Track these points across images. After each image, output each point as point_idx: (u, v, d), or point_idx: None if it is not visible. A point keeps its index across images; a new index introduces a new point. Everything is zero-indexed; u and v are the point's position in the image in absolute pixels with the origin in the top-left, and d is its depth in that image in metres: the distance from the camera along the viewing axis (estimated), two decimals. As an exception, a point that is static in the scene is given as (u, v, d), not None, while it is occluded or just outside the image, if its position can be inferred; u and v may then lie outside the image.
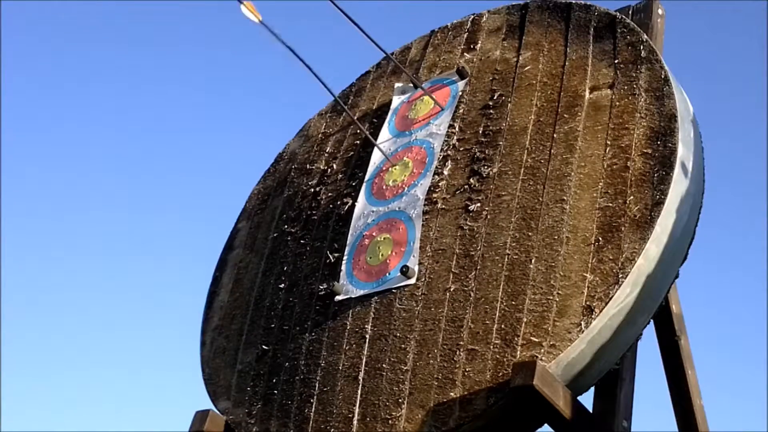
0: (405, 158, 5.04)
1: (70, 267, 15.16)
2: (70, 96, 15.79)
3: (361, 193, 5.07)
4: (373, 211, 4.94)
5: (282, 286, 5.04)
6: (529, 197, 4.41)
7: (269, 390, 4.67)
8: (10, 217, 14.17)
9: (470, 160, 4.75)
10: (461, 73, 5.23)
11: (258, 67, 15.60)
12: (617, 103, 4.55)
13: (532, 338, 3.97)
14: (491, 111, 4.92)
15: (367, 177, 5.13)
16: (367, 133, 5.31)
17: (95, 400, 14.22)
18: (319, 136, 5.77)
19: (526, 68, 5.01)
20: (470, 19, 5.63)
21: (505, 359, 3.97)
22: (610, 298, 3.96)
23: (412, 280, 4.47)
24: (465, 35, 5.55)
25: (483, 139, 4.80)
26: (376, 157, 5.19)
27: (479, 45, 5.40)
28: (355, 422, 4.23)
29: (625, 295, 4.01)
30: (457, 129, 4.96)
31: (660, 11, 5.10)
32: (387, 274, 4.59)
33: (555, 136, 4.58)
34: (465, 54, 5.41)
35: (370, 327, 4.47)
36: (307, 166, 5.61)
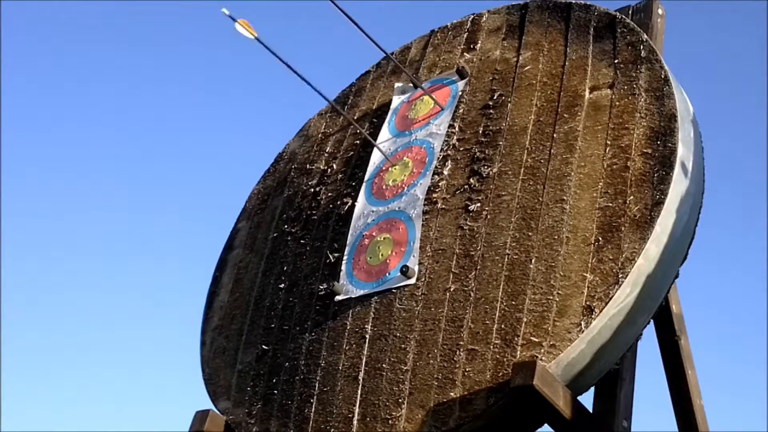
0: (405, 158, 5.04)
1: (70, 267, 15.17)
2: (70, 96, 15.80)
3: (361, 193, 5.07)
4: (372, 211, 4.94)
5: (282, 286, 5.04)
6: (529, 197, 4.41)
7: (269, 390, 4.67)
8: (10, 217, 14.18)
9: (470, 160, 4.75)
10: (461, 73, 5.23)
11: (258, 67, 15.61)
12: (617, 103, 4.55)
13: (532, 338, 3.97)
14: (491, 111, 4.92)
15: (366, 177, 5.13)
16: (366, 134, 5.31)
17: (95, 400, 14.22)
18: (319, 136, 5.77)
19: (526, 68, 5.01)
20: (470, 19, 5.63)
21: (505, 359, 3.97)
22: (610, 298, 3.96)
23: (412, 280, 4.47)
24: (465, 35, 5.55)
25: (483, 139, 4.80)
26: (375, 157, 5.19)
27: (479, 45, 5.40)
28: (355, 422, 4.23)
29: (625, 295, 4.01)
30: (457, 129, 4.96)
31: (660, 11, 5.10)
32: (387, 274, 4.59)
33: (555, 136, 4.58)
34: (465, 54, 5.41)
35: (370, 327, 4.47)
36: (307, 166, 5.61)
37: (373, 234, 4.82)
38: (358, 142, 5.45)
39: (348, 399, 4.31)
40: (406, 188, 4.88)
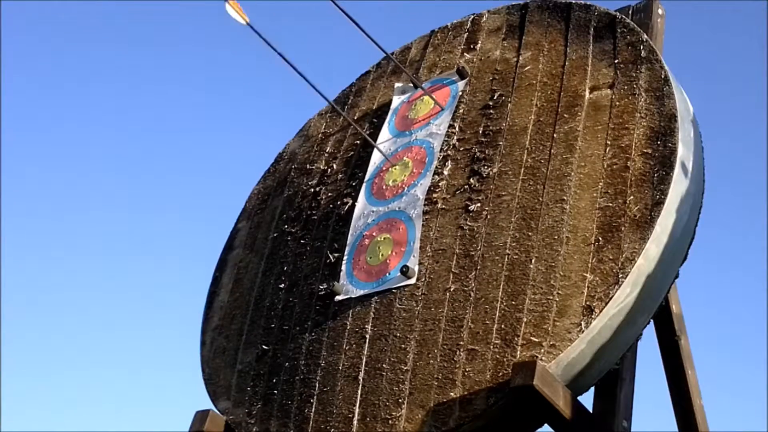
0: (405, 158, 5.04)
1: (70, 267, 15.17)
2: (70, 96, 15.80)
3: (361, 193, 5.07)
4: (373, 211, 4.94)
5: (282, 286, 5.04)
6: (529, 197, 4.41)
7: (269, 390, 4.67)
8: (10, 217, 14.18)
9: (470, 160, 4.75)
10: (461, 73, 5.23)
11: (258, 67, 15.59)
12: (617, 103, 4.55)
13: (532, 338, 3.97)
14: (491, 111, 4.92)
15: (367, 177, 5.13)
16: (366, 134, 5.31)
17: (95, 400, 14.23)
18: (319, 136, 5.77)
19: (526, 68, 5.01)
20: (470, 19, 5.63)
21: (505, 359, 3.97)
22: (610, 298, 3.96)
23: (412, 280, 4.47)
24: (465, 35, 5.55)
25: (483, 139, 4.80)
26: (376, 157, 5.19)
27: (479, 45, 5.40)
28: (355, 422, 4.23)
29: (625, 295, 4.01)
30: (457, 129, 4.96)
31: (660, 11, 5.10)
32: (387, 274, 4.59)
33: (555, 136, 4.58)
34: (465, 54, 5.41)
35: (370, 327, 4.47)
36: (307, 166, 5.61)
37: (374, 234, 4.82)
38: (358, 142, 5.46)
39: (348, 399, 4.31)
40: (406, 188, 4.88)
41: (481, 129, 4.86)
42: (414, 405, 4.09)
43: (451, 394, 4.01)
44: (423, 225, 4.63)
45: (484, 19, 5.55)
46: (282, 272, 5.11)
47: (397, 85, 5.56)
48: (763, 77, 12.19)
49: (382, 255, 4.69)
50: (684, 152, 4.29)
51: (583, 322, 3.93)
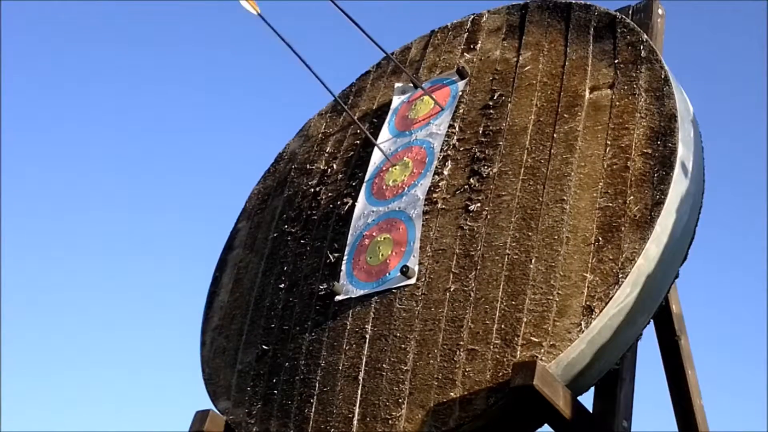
0: (405, 158, 5.04)
1: (70, 267, 15.17)
2: (70, 96, 15.80)
3: (361, 193, 5.07)
4: (373, 211, 4.94)
5: (282, 286, 5.04)
6: (529, 197, 4.41)
7: (269, 390, 4.67)
8: (10, 217, 14.18)
9: (470, 160, 4.75)
10: (461, 73, 5.23)
11: (258, 67, 15.61)
12: (617, 103, 4.55)
13: (532, 338, 3.97)
14: (491, 111, 4.92)
15: (367, 177, 5.13)
16: (368, 132, 5.31)
17: (95, 400, 14.23)
18: (319, 136, 5.77)
19: (526, 68, 5.01)
20: (470, 19, 5.63)
21: (505, 359, 3.97)
22: (610, 298, 3.96)
23: (412, 280, 4.47)
24: (465, 35, 5.55)
25: (483, 139, 4.80)
26: (376, 157, 5.19)
27: (479, 45, 5.40)
28: (355, 422, 4.23)
29: (625, 295, 4.01)
30: (457, 129, 4.96)
31: (660, 11, 5.10)
32: (387, 274, 4.59)
33: (555, 136, 4.58)
34: (465, 54, 5.41)
35: (370, 327, 4.47)
36: (307, 166, 5.61)
37: (374, 234, 4.82)
38: (358, 142, 5.46)
39: (348, 399, 4.31)
40: (406, 188, 4.88)
41: (481, 129, 4.86)
42: (414, 405, 4.09)
43: (451, 394, 4.01)
44: (423, 225, 4.63)
45: (484, 19, 5.55)
46: (282, 272, 5.11)
47: (397, 85, 5.56)
48: (763, 77, 12.19)
49: (382, 255, 4.69)
50: (684, 152, 4.29)
51: (583, 322, 3.93)
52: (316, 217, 5.22)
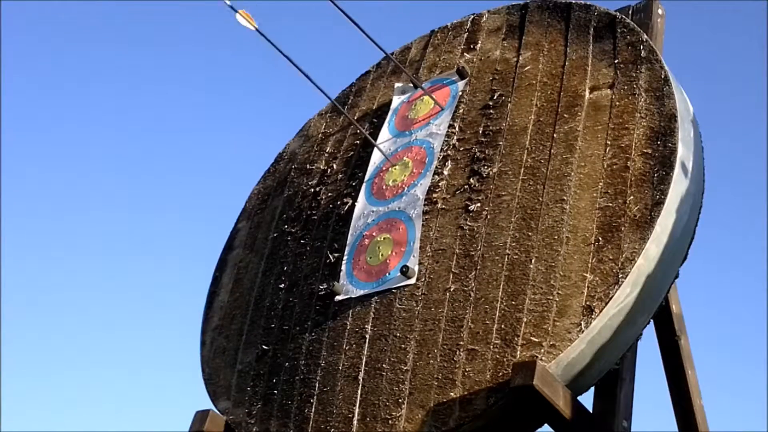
0: (405, 158, 5.04)
1: (70, 267, 15.17)
2: (70, 96, 15.80)
3: (361, 193, 5.07)
4: (373, 211, 4.94)
5: (282, 286, 5.04)
6: (529, 197, 4.41)
7: (269, 390, 4.67)
8: (10, 217, 14.18)
9: (470, 160, 4.75)
10: (461, 73, 5.23)
11: (258, 67, 15.59)
12: (617, 103, 4.55)
13: (532, 338, 3.97)
14: (491, 111, 4.92)
15: (367, 177, 5.13)
16: (367, 134, 5.31)
17: (95, 400, 14.23)
18: (319, 136, 5.77)
19: (526, 68, 5.01)
20: (470, 19, 5.63)
21: (505, 359, 3.97)
22: (610, 298, 3.96)
23: (412, 280, 4.47)
24: (465, 35, 5.55)
25: (483, 139, 4.80)
26: (376, 157, 5.19)
27: (479, 45, 5.40)
28: (355, 422, 4.23)
29: (625, 295, 4.01)
30: (457, 129, 4.96)
31: (660, 11, 5.10)
32: (387, 274, 4.59)
33: (555, 136, 4.58)
34: (465, 54, 5.41)
35: (370, 327, 4.47)
36: (307, 166, 5.61)
37: (373, 234, 4.82)
38: (358, 142, 5.46)
39: (348, 399, 4.31)
40: (406, 188, 4.88)
41: (481, 129, 4.86)
42: (414, 405, 4.09)
43: (451, 394, 4.01)
44: (423, 225, 4.63)
45: (484, 19, 5.55)
46: (282, 272, 5.11)
47: (397, 85, 5.56)
48: (763, 77, 12.19)
49: (382, 255, 4.69)
50: (684, 152, 4.29)
51: (583, 322, 3.93)
52: (316, 217, 5.22)
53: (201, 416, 4.75)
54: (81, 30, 15.49)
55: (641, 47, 4.70)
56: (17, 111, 14.96)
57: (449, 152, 4.87)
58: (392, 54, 5.65)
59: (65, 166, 15.74)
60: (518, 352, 3.96)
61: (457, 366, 4.07)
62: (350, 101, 5.81)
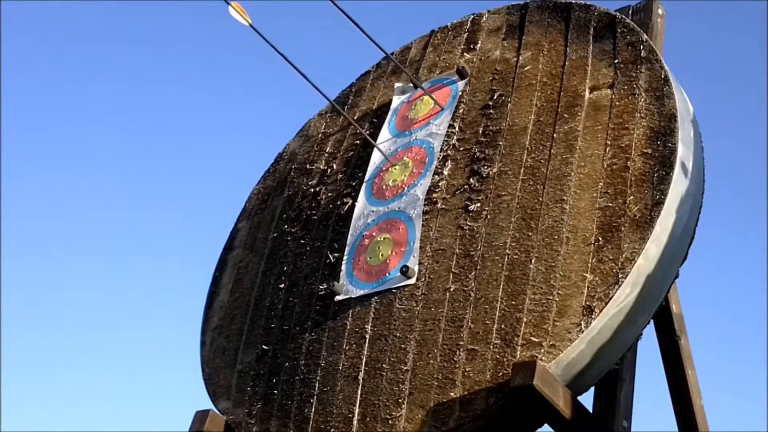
0: (405, 158, 5.04)
1: (70, 267, 15.17)
2: (70, 96, 15.80)
3: (361, 193, 5.07)
4: (373, 211, 4.94)
5: (282, 286, 5.04)
6: (529, 197, 4.41)
7: (269, 390, 4.67)
8: (10, 217, 14.19)
9: (470, 160, 4.75)
10: (461, 73, 5.23)
11: (258, 67, 15.59)
12: (617, 103, 4.55)
13: (532, 338, 3.97)
14: (491, 111, 4.92)
15: (367, 177, 5.13)
16: (366, 134, 5.31)
17: (95, 400, 14.23)
18: (319, 136, 5.77)
19: (526, 68, 5.01)
20: (470, 19, 5.63)
21: (505, 359, 3.97)
22: (610, 298, 3.96)
23: (412, 280, 4.47)
24: (465, 35, 5.55)
25: (483, 139, 4.80)
26: (375, 157, 5.19)
27: (479, 45, 5.40)
28: (355, 422, 4.23)
29: (625, 295, 4.01)
30: (457, 129, 4.96)
31: (660, 11, 5.10)
32: (387, 274, 4.59)
33: (555, 136, 4.58)
34: (465, 54, 5.41)
35: (370, 327, 4.47)
36: (307, 166, 5.61)
37: (373, 234, 4.82)
38: (358, 142, 5.46)
39: (348, 399, 4.31)
40: (406, 188, 4.88)
41: (481, 129, 4.86)
42: (414, 405, 4.09)
43: (451, 394, 4.01)
44: (423, 225, 4.63)
45: (484, 19, 5.55)
46: (282, 272, 5.11)
47: (397, 85, 5.56)
48: (763, 77, 12.19)
49: (382, 255, 4.69)
50: (684, 152, 4.29)
51: (583, 322, 3.93)
52: (316, 217, 5.22)
53: (201, 416, 4.75)
54: (81, 30, 15.50)
55: (641, 47, 4.70)
56: (17, 111, 14.97)
57: (449, 152, 4.87)
58: (392, 54, 5.65)
59: (65, 166, 15.75)
60: (518, 352, 3.96)
61: (457, 366, 4.07)
62: (350, 101, 5.81)
